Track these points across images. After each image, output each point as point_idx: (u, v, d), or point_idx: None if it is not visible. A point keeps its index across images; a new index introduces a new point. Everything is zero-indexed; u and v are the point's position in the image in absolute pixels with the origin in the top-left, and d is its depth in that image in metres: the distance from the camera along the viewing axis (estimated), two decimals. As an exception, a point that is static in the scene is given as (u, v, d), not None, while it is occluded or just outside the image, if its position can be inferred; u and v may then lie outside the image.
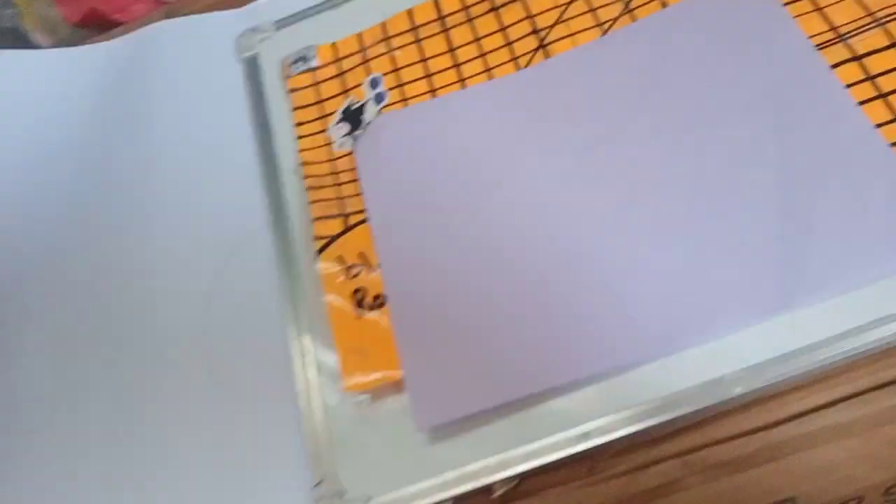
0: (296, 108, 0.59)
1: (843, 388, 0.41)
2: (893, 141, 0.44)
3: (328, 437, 0.47)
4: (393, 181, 0.53)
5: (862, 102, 0.46)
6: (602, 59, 0.54)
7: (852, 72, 0.47)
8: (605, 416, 0.43)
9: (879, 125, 0.45)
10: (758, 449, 0.42)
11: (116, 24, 0.74)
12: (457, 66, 0.57)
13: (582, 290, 0.46)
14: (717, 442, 0.42)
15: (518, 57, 0.56)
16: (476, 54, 0.57)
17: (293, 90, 0.60)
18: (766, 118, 0.48)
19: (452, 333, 0.47)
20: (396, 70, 0.58)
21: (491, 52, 0.57)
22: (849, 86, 0.47)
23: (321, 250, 0.51)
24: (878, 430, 0.40)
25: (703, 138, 0.49)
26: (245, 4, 0.68)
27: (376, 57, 0.59)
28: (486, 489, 0.44)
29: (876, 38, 0.48)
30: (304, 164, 0.56)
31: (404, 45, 0.59)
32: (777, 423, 0.42)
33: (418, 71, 0.58)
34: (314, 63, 0.61)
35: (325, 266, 0.51)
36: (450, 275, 0.49)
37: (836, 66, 0.48)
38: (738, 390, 0.42)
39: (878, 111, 0.46)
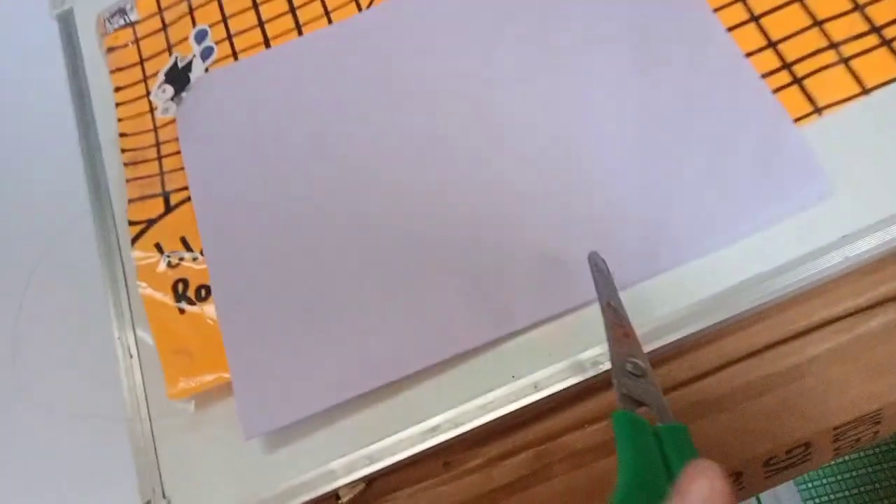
0: (114, 71, 0.51)
1: (708, 361, 0.37)
2: (765, 71, 0.39)
3: (156, 449, 0.42)
4: (219, 150, 0.46)
5: (732, 28, 0.40)
6: (453, -8, 0.47)
7: (723, -8, 0.41)
8: (455, 407, 0.38)
9: (750, 54, 0.40)
10: (622, 432, 0.37)
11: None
12: (293, 10, 0.49)
13: (426, 274, 0.40)
14: (577, 427, 0.38)
15: (361, -5, 0.49)
16: (314, -5, 0.50)
17: (111, 49, 0.52)
18: (632, 50, 0.42)
19: (286, 328, 0.41)
20: (225, 20, 0.50)
21: (330, -9, 0.49)
22: (718, 9, 0.41)
23: (136, 238, 0.45)
24: (750, 402, 0.36)
25: (568, 73, 0.42)
26: (60, -50, 0.59)
27: (203, 5, 0.51)
28: (332, 496, 0.39)
29: (749, -47, 0.42)
30: (123, 135, 0.49)
31: (234, -11, 0.51)
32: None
33: (250, 19, 0.50)
34: (134, 16, 0.53)
35: (141, 256, 0.44)
36: (284, 259, 0.42)
37: (704, -13, 0.42)
38: (599, 368, 0.37)
39: (751, 38, 0.40)
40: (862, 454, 0.71)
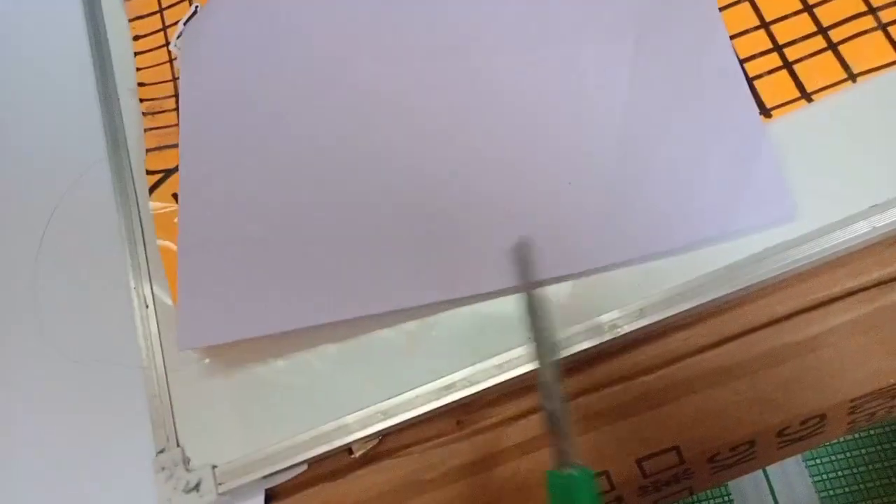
0: (133, 19, 0.51)
1: (727, 328, 0.37)
2: (756, 74, 0.39)
3: (170, 398, 0.42)
4: (215, 75, 0.45)
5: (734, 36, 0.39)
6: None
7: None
8: (471, 365, 0.38)
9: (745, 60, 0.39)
10: (636, 396, 0.37)
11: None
12: (317, -39, 0.48)
13: (407, 217, 0.40)
14: (593, 389, 0.38)
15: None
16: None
17: (130, -4, 0.52)
18: (631, 37, 0.40)
19: (248, 248, 0.41)
20: (248, -33, 0.49)
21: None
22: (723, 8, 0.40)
23: (154, 187, 0.44)
24: (768, 371, 0.36)
25: (560, 52, 0.41)
26: None
27: (225, -47, 0.50)
28: (346, 449, 0.40)
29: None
30: (141, 84, 0.48)
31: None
32: (657, 367, 0.37)
33: (273, -32, 0.49)
34: (153, -37, 0.52)
35: (158, 206, 0.44)
36: (259, 184, 0.42)
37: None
38: (617, 332, 0.37)
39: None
40: (871, 432, 0.72)
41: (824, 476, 0.70)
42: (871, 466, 0.70)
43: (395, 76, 0.43)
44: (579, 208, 0.38)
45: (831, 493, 0.70)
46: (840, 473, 0.69)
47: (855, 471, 0.69)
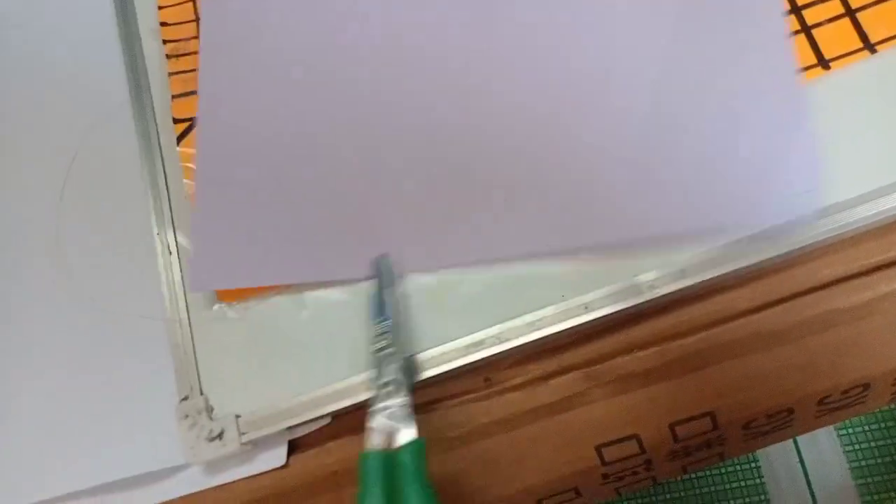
0: (156, -46, 0.49)
1: (773, 292, 0.35)
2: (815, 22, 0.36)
3: (194, 346, 0.41)
4: (237, 13, 0.44)
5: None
6: None
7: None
8: (501, 323, 0.37)
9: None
10: (673, 359, 0.36)
11: None
12: None
13: (432, 173, 0.39)
14: (627, 351, 0.36)
15: None
16: None
17: (152, -69, 0.49)
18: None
19: (268, 195, 0.40)
20: None
21: None
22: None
23: (182, 136, 0.43)
24: (813, 337, 0.35)
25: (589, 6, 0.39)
26: None
27: None
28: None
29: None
30: (164, 24, 0.47)
31: None
32: (696, 330, 0.36)
33: None
34: None
35: (187, 153, 0.42)
36: (283, 127, 0.41)
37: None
38: (656, 292, 0.35)
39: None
40: (907, 402, 0.70)
41: (856, 446, 0.69)
42: (904, 438, 0.69)
43: (426, 23, 0.41)
44: (601, 177, 0.36)
45: (863, 462, 0.68)
46: (873, 444, 0.68)
47: (889, 441, 0.68)
